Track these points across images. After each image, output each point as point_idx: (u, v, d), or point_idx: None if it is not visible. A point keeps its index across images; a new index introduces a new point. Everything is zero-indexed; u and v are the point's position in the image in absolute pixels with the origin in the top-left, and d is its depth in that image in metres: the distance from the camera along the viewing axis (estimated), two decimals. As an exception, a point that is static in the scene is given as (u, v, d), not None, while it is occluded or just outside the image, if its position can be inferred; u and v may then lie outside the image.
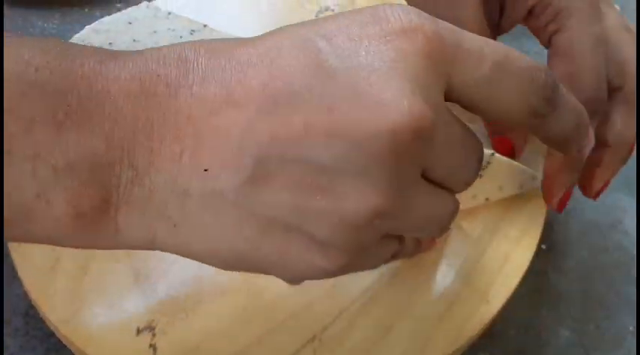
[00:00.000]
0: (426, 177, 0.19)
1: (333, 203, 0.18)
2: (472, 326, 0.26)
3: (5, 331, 0.31)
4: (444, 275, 0.28)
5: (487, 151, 0.29)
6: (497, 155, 0.29)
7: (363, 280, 0.27)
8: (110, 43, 0.34)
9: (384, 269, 0.28)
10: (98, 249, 0.20)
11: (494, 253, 0.29)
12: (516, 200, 0.31)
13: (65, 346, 0.27)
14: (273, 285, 0.27)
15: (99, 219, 0.18)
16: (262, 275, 0.25)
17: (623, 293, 0.33)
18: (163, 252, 0.23)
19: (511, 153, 0.30)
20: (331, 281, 0.27)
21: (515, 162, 0.30)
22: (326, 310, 0.26)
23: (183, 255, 0.20)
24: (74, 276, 0.27)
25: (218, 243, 0.19)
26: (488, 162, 0.29)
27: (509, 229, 0.30)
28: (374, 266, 0.22)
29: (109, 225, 0.19)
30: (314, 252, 0.19)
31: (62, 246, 0.20)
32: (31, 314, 0.31)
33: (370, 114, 0.17)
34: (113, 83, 0.18)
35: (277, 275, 0.20)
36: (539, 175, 0.30)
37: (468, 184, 0.21)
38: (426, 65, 0.18)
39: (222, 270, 0.27)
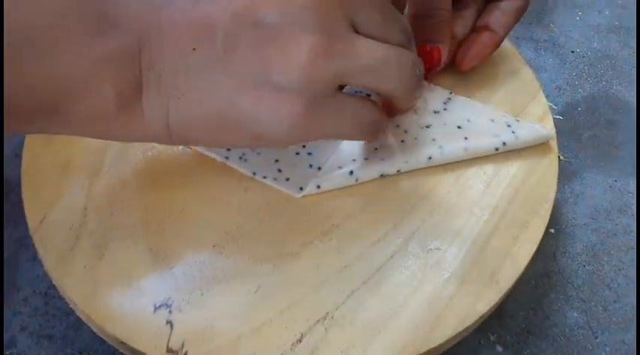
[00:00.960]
0: (358, 31, 0.24)
1: (282, 49, 0.23)
2: (481, 306, 0.27)
3: (25, 310, 0.31)
4: (454, 257, 0.28)
5: (445, 90, 0.34)
6: (454, 94, 0.34)
7: (373, 260, 0.28)
8: None
9: (394, 249, 0.28)
10: (130, 137, 0.26)
11: (503, 235, 0.29)
12: (525, 183, 0.31)
13: (83, 325, 0.28)
14: (286, 265, 0.28)
15: (132, 101, 0.24)
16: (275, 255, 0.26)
17: (631, 277, 0.33)
18: (178, 232, 0.27)
19: (439, 61, 0.33)
20: (342, 262, 0.28)
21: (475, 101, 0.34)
22: (337, 289, 0.27)
23: (185, 132, 0.25)
24: (93, 256, 0.27)
25: (209, 106, 0.24)
26: (449, 98, 0.33)
27: (517, 212, 0.30)
28: (353, 132, 0.27)
29: (137, 108, 0.24)
30: (279, 99, 0.24)
31: (103, 132, 0.25)
32: (51, 294, 0.32)
33: None
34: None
35: (258, 131, 0.25)
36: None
37: (399, 43, 0.26)
38: None
39: (237, 250, 0.28)
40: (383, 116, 0.28)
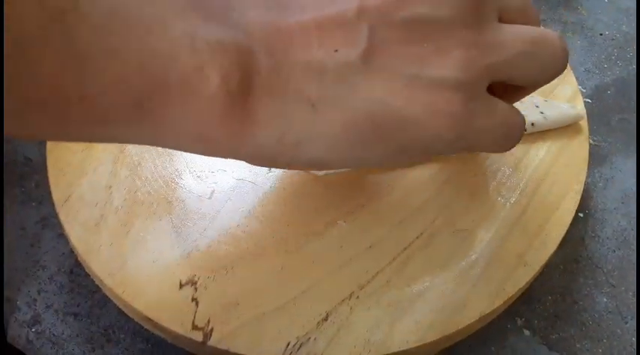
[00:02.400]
0: (502, 19, 0.22)
1: (434, 43, 0.21)
2: (509, 288, 0.26)
3: (50, 288, 0.32)
4: (481, 238, 0.28)
5: None
6: None
7: (399, 241, 0.28)
8: None
9: (419, 230, 0.28)
10: (230, 151, 0.20)
11: (532, 217, 0.29)
12: (554, 165, 0.30)
13: (109, 302, 0.28)
14: (310, 245, 0.27)
15: (243, 102, 0.19)
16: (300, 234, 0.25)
17: (663, 262, 0.33)
18: (203, 210, 0.24)
19: None
20: (367, 242, 0.28)
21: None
22: (363, 269, 0.27)
23: (310, 148, 0.21)
24: (118, 233, 0.27)
25: (354, 111, 0.21)
26: None
27: (547, 194, 0.29)
28: (498, 140, 0.23)
29: (248, 116, 0.20)
30: (435, 95, 0.21)
31: (199, 139, 0.20)
32: (76, 272, 0.32)
33: None
34: None
35: (409, 136, 0.21)
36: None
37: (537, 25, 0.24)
38: None
39: (260, 229, 0.27)
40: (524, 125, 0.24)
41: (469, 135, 0.22)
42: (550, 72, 0.23)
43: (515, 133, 0.23)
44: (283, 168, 0.23)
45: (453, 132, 0.21)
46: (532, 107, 0.31)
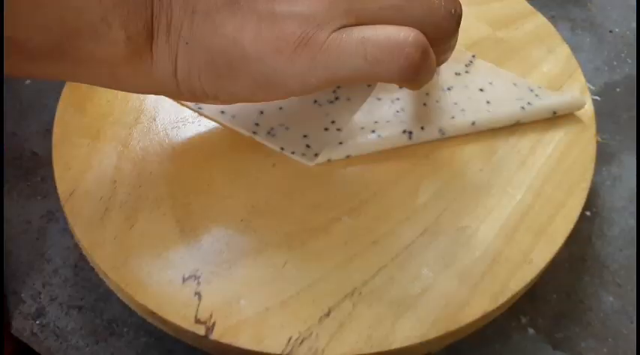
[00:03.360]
0: None
1: None
2: (514, 285, 0.26)
3: (55, 281, 0.32)
4: (486, 235, 0.28)
5: (467, 52, 0.33)
6: (476, 57, 0.33)
7: (403, 237, 0.27)
8: None
9: (424, 226, 0.28)
10: (139, 86, 0.25)
11: (538, 215, 0.28)
12: (561, 162, 0.30)
13: (112, 296, 0.28)
14: (313, 241, 0.27)
15: (142, 46, 0.23)
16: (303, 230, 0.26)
17: (671, 262, 0.32)
18: (205, 205, 0.27)
19: None
20: (371, 238, 0.27)
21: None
22: (365, 265, 0.27)
23: (191, 80, 0.24)
24: (122, 227, 0.28)
25: (212, 48, 0.23)
26: (471, 61, 0.33)
27: (553, 192, 0.29)
28: (381, 66, 0.23)
29: (147, 55, 0.24)
30: (280, 29, 0.22)
31: (112, 78, 0.24)
32: (80, 265, 0.32)
33: None
34: None
35: (258, 71, 0.23)
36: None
37: None
38: None
39: (264, 225, 0.27)
40: (426, 43, 0.23)
41: (324, 64, 0.22)
42: (431, 32, 0.23)
43: (389, 53, 0.22)
44: (189, 100, 0.28)
45: (298, 63, 0.22)
46: (527, 91, 0.32)
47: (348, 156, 0.30)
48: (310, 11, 0.22)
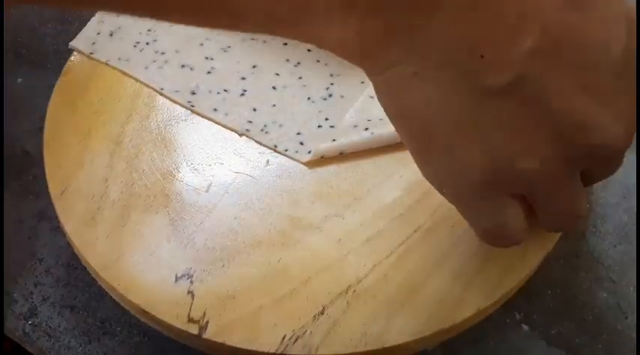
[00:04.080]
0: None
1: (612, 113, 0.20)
2: (508, 282, 0.26)
3: (47, 281, 0.32)
4: (480, 232, 0.27)
5: None
6: None
7: (397, 234, 0.27)
8: None
9: (418, 223, 0.28)
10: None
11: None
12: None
13: (105, 296, 0.28)
14: (307, 238, 0.27)
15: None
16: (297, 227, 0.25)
17: (664, 258, 0.32)
18: (200, 203, 0.26)
19: None
20: (365, 235, 0.27)
21: None
22: (360, 263, 0.27)
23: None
24: (114, 226, 0.27)
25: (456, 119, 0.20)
26: None
27: (547, 188, 0.29)
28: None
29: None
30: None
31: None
32: (73, 265, 0.32)
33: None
34: None
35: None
36: None
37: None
38: None
39: (258, 223, 0.27)
40: (525, 233, 0.25)
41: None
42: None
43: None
44: None
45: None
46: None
47: (341, 153, 0.30)
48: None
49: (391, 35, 0.19)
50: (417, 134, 0.22)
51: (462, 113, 0.20)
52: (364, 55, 0.20)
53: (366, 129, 0.30)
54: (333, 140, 0.30)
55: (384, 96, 0.21)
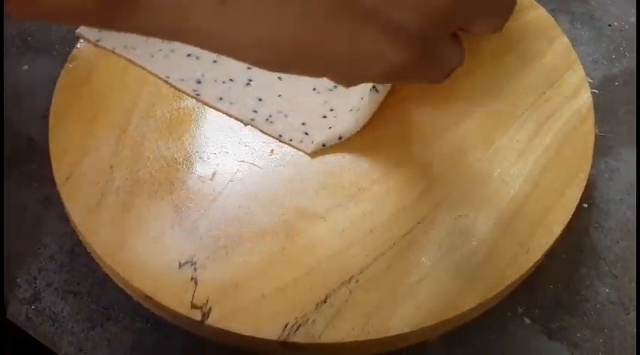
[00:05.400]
0: None
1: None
2: (511, 275, 0.26)
3: (51, 266, 0.32)
4: (483, 224, 0.28)
5: None
6: None
7: (401, 226, 0.27)
8: None
9: (421, 215, 0.28)
10: (120, 24, 0.17)
11: (536, 205, 0.28)
12: (559, 153, 0.30)
13: (108, 282, 0.28)
14: (311, 228, 0.27)
15: None
16: (301, 217, 0.25)
17: (667, 254, 0.32)
18: (204, 191, 0.25)
19: None
20: (368, 226, 0.27)
21: None
22: (363, 253, 0.27)
23: (220, 46, 0.18)
24: (119, 212, 0.27)
25: (277, 30, 0.17)
26: None
27: (551, 182, 0.29)
28: (432, 78, 0.21)
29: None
30: (384, 40, 0.17)
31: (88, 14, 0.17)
32: (77, 251, 0.32)
33: None
34: None
35: (337, 72, 0.19)
36: None
37: None
38: None
39: (262, 212, 0.27)
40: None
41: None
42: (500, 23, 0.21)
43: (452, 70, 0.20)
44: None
45: (384, 78, 0.19)
46: None
47: (340, 138, 0.30)
48: (403, 19, 0.17)
49: None
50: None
51: None
52: None
53: (359, 110, 0.30)
54: (330, 127, 0.30)
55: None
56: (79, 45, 0.34)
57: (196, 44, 0.18)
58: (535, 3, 0.37)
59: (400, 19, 0.17)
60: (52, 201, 0.34)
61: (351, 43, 0.17)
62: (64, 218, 0.32)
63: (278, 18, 0.16)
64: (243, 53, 0.18)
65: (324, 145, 0.29)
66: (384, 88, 0.30)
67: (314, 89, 0.31)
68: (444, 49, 0.20)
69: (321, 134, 0.30)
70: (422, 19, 0.17)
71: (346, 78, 0.19)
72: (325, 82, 0.32)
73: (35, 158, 0.35)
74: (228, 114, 0.31)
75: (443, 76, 0.21)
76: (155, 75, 0.32)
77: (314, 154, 0.30)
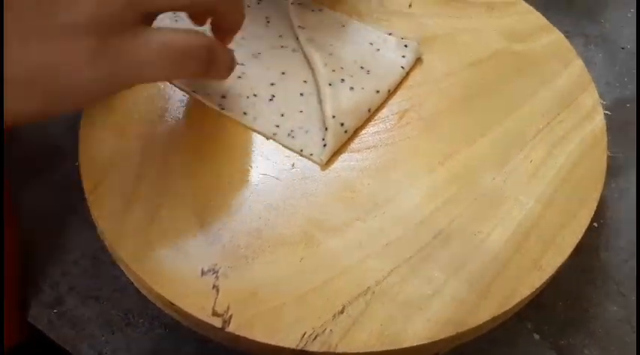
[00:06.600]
0: None
1: None
2: (523, 291, 0.27)
3: (73, 271, 0.33)
4: (497, 241, 0.28)
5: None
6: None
7: (416, 240, 0.28)
8: None
9: (437, 230, 0.28)
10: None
11: (548, 224, 0.29)
12: (572, 173, 0.31)
13: (129, 288, 0.29)
14: (329, 240, 0.28)
15: None
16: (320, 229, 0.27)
17: (675, 275, 0.33)
18: (227, 202, 0.28)
19: None
20: (385, 240, 0.28)
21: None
22: (379, 266, 0.27)
23: None
24: (144, 220, 0.28)
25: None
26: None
27: (564, 202, 0.30)
28: (161, 66, 0.24)
29: None
30: (71, 43, 0.21)
31: None
32: (99, 257, 0.33)
33: None
34: None
35: (45, 91, 0.22)
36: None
37: None
38: None
39: (282, 223, 0.28)
40: (213, 44, 0.26)
41: (120, 75, 0.23)
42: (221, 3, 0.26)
43: (191, 54, 0.25)
44: None
45: (97, 73, 0.22)
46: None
47: (345, 132, 0.31)
48: (95, 19, 0.21)
49: None
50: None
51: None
52: None
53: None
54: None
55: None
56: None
57: None
58: (551, 26, 0.38)
59: (69, 22, 0.21)
60: (77, 208, 0.35)
61: (47, 57, 0.21)
62: (88, 225, 0.34)
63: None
64: None
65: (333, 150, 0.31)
66: (351, 125, 0.32)
67: (334, 106, 0.32)
68: (146, 35, 0.23)
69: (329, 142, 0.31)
70: (87, 15, 0.21)
71: (69, 95, 0.23)
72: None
73: (63, 166, 0.37)
74: (251, 129, 0.32)
75: (196, 64, 0.26)
76: (182, 89, 0.33)
77: (333, 170, 0.30)
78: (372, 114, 0.33)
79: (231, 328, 0.25)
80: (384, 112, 0.33)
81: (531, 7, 0.39)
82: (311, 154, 0.31)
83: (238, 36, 0.30)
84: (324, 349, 0.25)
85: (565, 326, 0.31)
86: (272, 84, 0.33)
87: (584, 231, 0.29)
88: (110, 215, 0.29)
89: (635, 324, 0.31)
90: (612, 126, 0.39)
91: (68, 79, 0.22)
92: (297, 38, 0.35)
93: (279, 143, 0.31)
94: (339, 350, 0.25)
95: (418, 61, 0.35)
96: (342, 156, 0.31)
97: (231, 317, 0.26)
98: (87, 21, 0.21)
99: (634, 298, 0.32)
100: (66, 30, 0.21)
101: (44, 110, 0.22)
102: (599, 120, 0.33)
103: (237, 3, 0.28)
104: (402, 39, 0.35)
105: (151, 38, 0.23)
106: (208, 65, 0.26)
